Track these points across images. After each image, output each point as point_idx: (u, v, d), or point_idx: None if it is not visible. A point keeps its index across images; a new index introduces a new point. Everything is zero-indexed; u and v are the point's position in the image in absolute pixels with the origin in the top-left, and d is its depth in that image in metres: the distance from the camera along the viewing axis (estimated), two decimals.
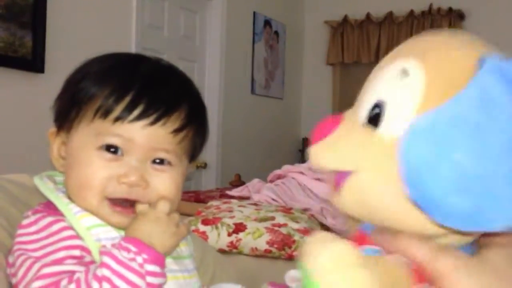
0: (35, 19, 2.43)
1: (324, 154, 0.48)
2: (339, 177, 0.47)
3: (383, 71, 0.50)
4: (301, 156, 4.71)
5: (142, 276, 0.61)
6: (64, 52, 2.59)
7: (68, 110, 0.70)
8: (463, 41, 0.47)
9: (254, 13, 4.19)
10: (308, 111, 4.92)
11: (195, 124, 0.71)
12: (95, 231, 0.66)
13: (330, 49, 4.72)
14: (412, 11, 4.40)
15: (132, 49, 3.00)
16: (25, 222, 0.68)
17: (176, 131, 0.68)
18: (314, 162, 0.48)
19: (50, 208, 0.70)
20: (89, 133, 0.68)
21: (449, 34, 0.48)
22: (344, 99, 4.73)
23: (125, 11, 2.99)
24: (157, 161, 0.68)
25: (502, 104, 0.40)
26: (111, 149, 0.66)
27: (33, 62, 2.43)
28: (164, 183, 0.68)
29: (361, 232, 0.48)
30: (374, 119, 0.45)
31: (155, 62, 0.75)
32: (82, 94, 0.69)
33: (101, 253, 0.62)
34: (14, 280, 0.67)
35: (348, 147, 0.46)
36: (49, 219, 0.67)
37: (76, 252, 0.64)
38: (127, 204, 0.67)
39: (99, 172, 0.66)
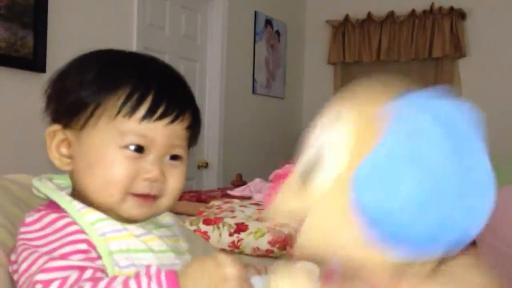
0: (36, 19, 2.43)
1: (278, 211, 0.51)
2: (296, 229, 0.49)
3: (321, 122, 0.53)
4: None
5: None
6: (66, 52, 2.58)
7: (81, 108, 0.69)
8: (385, 83, 0.53)
9: (255, 12, 4.19)
10: (309, 110, 4.92)
11: (198, 121, 0.75)
12: (99, 225, 0.67)
13: (331, 49, 4.72)
14: (413, 11, 4.40)
15: (133, 48, 3.00)
16: (28, 220, 0.69)
17: (188, 127, 0.72)
18: (273, 221, 0.53)
19: (52, 207, 0.70)
20: (112, 131, 0.68)
21: (374, 80, 0.53)
22: None
23: (126, 11, 2.99)
24: (173, 157, 0.71)
25: (426, 130, 0.44)
26: (135, 147, 0.68)
27: (34, 62, 2.43)
28: (178, 177, 0.72)
29: (328, 271, 0.49)
30: (314, 163, 0.49)
31: (159, 62, 0.76)
32: (100, 92, 0.69)
33: (134, 275, 0.60)
34: (16, 276, 0.67)
35: (297, 198, 0.49)
36: (53, 216, 0.68)
37: (83, 246, 0.65)
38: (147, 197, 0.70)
39: (125, 170, 0.68)
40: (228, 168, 3.78)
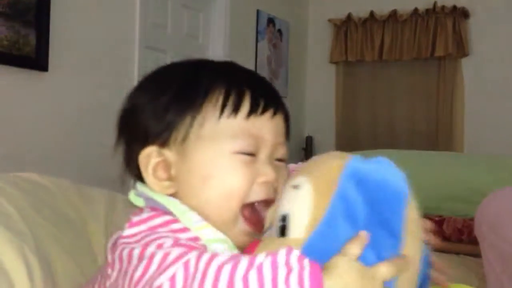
0: (39, 18, 2.43)
1: None
2: None
3: (284, 191, 0.61)
4: (304, 155, 4.71)
5: None
6: (68, 51, 2.59)
7: (178, 120, 0.64)
8: (335, 155, 0.60)
9: (258, 11, 4.18)
10: (311, 109, 4.91)
11: (287, 113, 0.71)
12: (214, 246, 0.61)
13: (334, 48, 4.71)
14: (416, 9, 4.39)
15: (136, 47, 3.00)
16: (135, 219, 0.63)
17: (286, 120, 0.69)
18: None
19: (159, 210, 0.64)
20: (219, 136, 0.63)
21: (327, 154, 0.62)
22: (348, 98, 4.72)
23: (128, 10, 2.99)
24: (279, 160, 0.67)
25: (358, 213, 0.53)
26: (248, 152, 0.64)
27: (36, 60, 2.43)
28: (284, 181, 0.64)
29: None
30: (282, 230, 0.57)
31: (236, 63, 0.74)
32: (196, 100, 0.64)
33: (271, 259, 0.51)
34: (121, 282, 0.59)
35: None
36: (165, 218, 0.62)
37: (191, 234, 0.60)
38: (260, 216, 0.62)
39: (243, 178, 0.63)
40: None
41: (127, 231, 0.61)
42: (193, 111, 0.64)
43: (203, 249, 0.57)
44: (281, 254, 0.51)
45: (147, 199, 0.65)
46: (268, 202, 0.63)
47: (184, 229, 0.60)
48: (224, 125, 0.63)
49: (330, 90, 4.81)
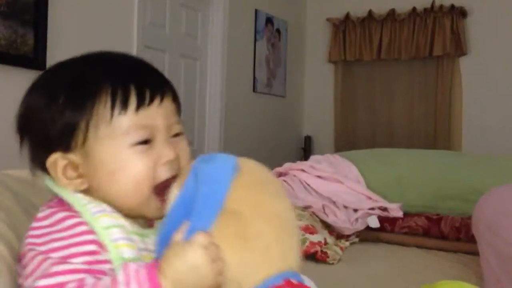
0: (37, 17, 2.43)
1: None
2: None
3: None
4: (303, 154, 4.71)
5: None
6: (66, 50, 2.59)
7: (73, 129, 0.69)
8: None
9: (256, 10, 4.19)
10: (310, 109, 4.92)
11: (175, 91, 0.77)
12: (112, 231, 0.67)
13: (332, 47, 4.71)
14: (414, 9, 4.39)
15: (134, 47, 3.00)
16: (40, 215, 0.69)
17: (174, 99, 0.74)
18: None
19: (64, 205, 0.70)
20: (114, 133, 0.68)
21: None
22: (346, 97, 4.72)
23: (126, 9, 2.99)
24: (175, 135, 0.73)
25: (188, 197, 0.65)
26: (143, 141, 0.69)
27: (34, 59, 2.43)
28: (186, 151, 0.74)
29: None
30: None
31: (119, 54, 0.77)
32: (85, 106, 0.68)
33: (111, 282, 0.60)
34: (20, 280, 0.67)
35: None
36: (63, 214, 0.68)
37: (91, 247, 0.65)
38: (168, 187, 0.70)
39: (145, 165, 0.69)
40: None
41: (33, 224, 0.68)
42: (86, 115, 0.69)
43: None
44: (120, 274, 0.60)
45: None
46: (174, 177, 0.71)
47: (76, 224, 0.67)
48: (116, 123, 0.69)
49: (328, 89, 4.82)
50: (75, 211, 0.68)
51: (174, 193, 0.67)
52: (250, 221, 0.64)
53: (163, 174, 0.70)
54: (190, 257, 0.60)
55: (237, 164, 0.69)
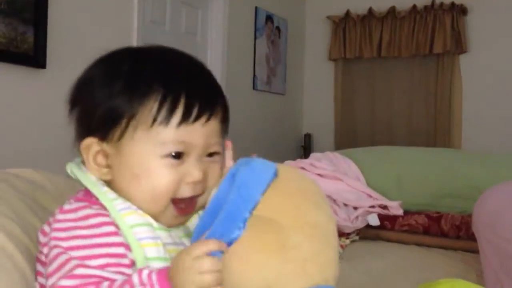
0: (37, 15, 2.42)
1: None
2: None
3: None
4: (303, 152, 4.71)
5: None
6: (66, 48, 2.58)
7: (115, 120, 0.68)
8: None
9: (256, 8, 4.18)
10: (310, 106, 4.92)
11: (227, 110, 0.76)
12: (137, 229, 0.67)
13: (332, 45, 4.71)
14: (414, 6, 4.39)
15: (134, 44, 3.00)
16: (66, 207, 0.69)
17: (223, 121, 0.74)
18: None
19: (91, 197, 0.70)
20: (151, 141, 0.68)
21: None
22: (346, 95, 4.72)
23: (126, 7, 2.99)
24: (210, 154, 0.72)
25: (221, 198, 0.66)
26: (175, 154, 0.68)
27: (35, 57, 2.42)
28: (216, 173, 0.73)
29: None
30: None
31: (184, 57, 0.75)
32: (132, 103, 0.68)
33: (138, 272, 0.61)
34: (44, 270, 0.67)
35: None
36: (88, 211, 0.68)
37: (118, 250, 0.65)
38: (189, 205, 0.71)
39: (170, 179, 0.68)
40: None
41: (58, 216, 0.68)
42: (129, 114, 0.68)
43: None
44: (134, 276, 0.61)
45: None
46: (195, 197, 0.71)
47: (102, 224, 0.67)
48: (155, 132, 0.68)
49: (328, 87, 4.81)
50: (101, 205, 0.68)
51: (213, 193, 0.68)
52: (289, 231, 0.62)
53: (185, 192, 0.70)
54: (197, 281, 0.60)
55: (277, 170, 0.67)
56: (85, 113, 0.72)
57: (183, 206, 0.71)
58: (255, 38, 4.19)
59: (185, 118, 0.68)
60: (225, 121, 0.75)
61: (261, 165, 0.66)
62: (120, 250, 0.65)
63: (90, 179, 0.71)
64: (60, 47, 2.53)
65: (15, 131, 2.39)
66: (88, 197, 0.70)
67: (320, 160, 2.20)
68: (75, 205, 0.69)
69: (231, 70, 3.85)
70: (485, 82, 4.22)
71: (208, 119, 0.70)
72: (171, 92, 0.68)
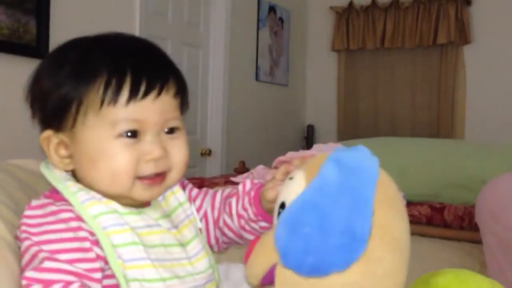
0: (39, 6, 2.42)
1: (251, 264, 0.67)
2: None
3: (284, 183, 0.69)
4: (305, 143, 4.70)
5: None
6: (68, 38, 2.58)
7: (64, 108, 0.68)
8: (329, 148, 0.69)
9: None
10: (313, 97, 4.90)
11: (184, 84, 0.74)
12: (102, 218, 0.67)
13: (335, 35, 4.69)
14: None
15: (136, 35, 2.99)
16: (34, 203, 0.70)
17: (176, 94, 0.72)
18: (249, 273, 0.67)
19: (58, 193, 0.71)
20: (102, 123, 0.67)
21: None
22: (349, 86, 4.70)
23: None
24: (170, 130, 0.71)
25: (332, 185, 0.59)
26: (129, 133, 0.68)
27: (37, 48, 2.42)
28: (180, 148, 0.72)
29: None
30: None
31: (128, 37, 0.75)
32: (78, 87, 0.68)
33: None
34: (21, 261, 0.68)
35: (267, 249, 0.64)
36: (53, 208, 0.68)
37: (81, 244, 0.65)
38: (155, 177, 0.70)
39: (127, 158, 0.68)
40: (231, 155, 3.78)
41: (26, 212, 0.68)
42: (77, 100, 0.67)
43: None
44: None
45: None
46: (160, 174, 0.70)
47: (69, 219, 0.66)
48: (105, 113, 0.67)
49: (331, 78, 4.80)
50: (66, 201, 0.69)
51: (299, 177, 0.65)
52: (375, 243, 0.59)
53: (147, 170, 0.69)
54: None
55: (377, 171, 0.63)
56: (38, 106, 0.72)
57: (149, 182, 0.70)
58: (258, 29, 4.17)
59: (132, 95, 0.67)
60: (181, 95, 0.73)
61: (365, 155, 0.63)
62: (83, 244, 0.65)
63: (54, 175, 0.72)
64: (63, 38, 2.52)
65: (17, 122, 2.39)
66: (54, 193, 0.71)
67: (323, 151, 2.20)
68: (42, 201, 0.69)
69: (233, 61, 3.84)
70: (489, 73, 4.20)
71: (158, 94, 0.68)
72: (116, 71, 0.67)
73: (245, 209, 0.76)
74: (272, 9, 4.32)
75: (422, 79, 4.46)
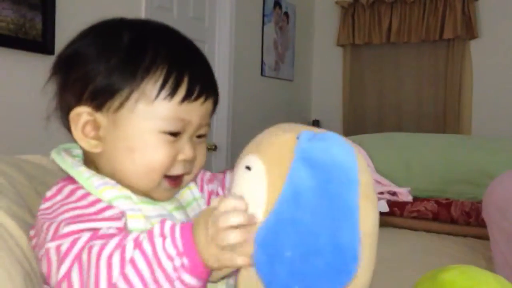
0: (45, 1, 2.42)
1: None
2: None
3: (236, 169, 0.61)
4: None
5: (170, 280, 0.56)
6: (74, 34, 2.58)
7: (114, 92, 0.67)
8: (285, 129, 0.59)
9: None
10: (318, 93, 4.89)
11: (218, 94, 0.76)
12: (116, 203, 0.67)
13: (341, 30, 4.67)
14: None
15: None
16: (48, 194, 0.69)
17: (215, 102, 0.74)
18: None
19: (70, 181, 0.70)
20: (151, 115, 0.67)
21: (277, 126, 0.60)
22: (355, 81, 4.69)
23: None
24: (199, 135, 0.73)
25: (307, 193, 0.51)
26: (174, 132, 0.68)
27: (43, 44, 2.42)
28: (203, 154, 0.74)
29: None
30: None
31: (181, 35, 0.76)
32: (134, 77, 0.67)
33: (148, 234, 0.59)
34: (36, 251, 0.68)
35: None
36: (71, 186, 0.68)
37: (108, 213, 0.65)
38: (179, 180, 0.72)
39: (166, 155, 0.68)
40: (237, 150, 3.76)
41: (43, 205, 0.68)
42: (131, 85, 0.67)
43: (93, 232, 0.62)
44: (156, 227, 0.58)
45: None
46: (181, 176, 0.71)
47: (87, 194, 0.66)
48: (157, 106, 0.67)
49: (337, 73, 4.78)
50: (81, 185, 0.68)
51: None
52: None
53: (177, 169, 0.70)
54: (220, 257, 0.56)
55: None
56: (77, 83, 0.70)
57: (173, 181, 0.71)
58: (263, 24, 4.16)
59: (188, 95, 0.68)
60: (216, 104, 0.75)
61: (342, 151, 0.53)
62: (110, 213, 0.65)
63: (66, 162, 0.71)
64: (69, 33, 2.52)
65: (23, 117, 2.40)
66: (67, 180, 0.70)
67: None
68: (56, 188, 0.69)
69: (239, 56, 3.83)
70: (495, 68, 4.17)
71: (205, 99, 0.70)
72: (175, 69, 0.68)
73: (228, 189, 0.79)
74: (277, 3, 4.31)
75: (428, 74, 4.43)
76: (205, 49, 3.63)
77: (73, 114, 0.69)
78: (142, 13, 3.00)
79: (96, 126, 0.69)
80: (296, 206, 0.51)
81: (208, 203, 0.80)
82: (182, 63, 0.69)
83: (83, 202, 0.65)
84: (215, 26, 3.71)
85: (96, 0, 2.75)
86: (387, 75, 4.57)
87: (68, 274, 0.59)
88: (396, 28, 4.43)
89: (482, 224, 1.46)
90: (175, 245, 0.57)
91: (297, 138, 0.56)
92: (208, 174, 0.84)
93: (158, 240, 0.57)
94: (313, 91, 4.91)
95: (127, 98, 0.67)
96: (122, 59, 0.68)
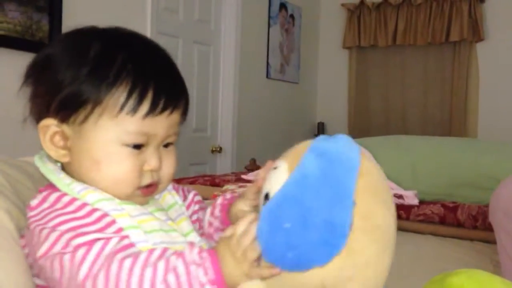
0: (51, 3, 2.43)
1: None
2: None
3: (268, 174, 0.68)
4: None
5: None
6: None
7: (79, 104, 0.68)
8: (310, 141, 0.66)
9: None
10: (324, 95, 4.89)
11: (188, 104, 0.76)
12: (100, 204, 0.68)
13: (347, 33, 4.66)
14: None
15: (148, 33, 2.99)
16: (33, 203, 0.69)
17: (183, 113, 0.74)
18: None
19: (52, 187, 0.71)
20: (115, 129, 0.68)
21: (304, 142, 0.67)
22: (361, 83, 4.68)
23: None
24: (166, 143, 0.73)
25: (313, 177, 0.59)
26: (136, 145, 0.69)
27: None
28: (172, 162, 0.74)
29: None
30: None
31: (151, 44, 0.75)
32: (100, 89, 0.67)
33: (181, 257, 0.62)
34: (30, 260, 0.68)
35: None
36: (56, 194, 0.69)
37: (97, 214, 0.67)
38: (152, 189, 0.73)
39: (131, 167, 0.69)
40: (242, 152, 3.78)
41: (30, 213, 0.68)
42: (96, 99, 0.67)
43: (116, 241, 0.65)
44: (187, 252, 0.62)
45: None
46: (153, 185, 0.72)
47: (72, 200, 0.67)
48: (121, 120, 0.68)
49: (342, 75, 4.78)
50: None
51: (281, 171, 0.65)
52: (358, 233, 0.59)
53: (146, 179, 0.71)
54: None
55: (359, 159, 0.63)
56: (46, 93, 0.70)
57: (145, 192, 0.72)
58: (269, 26, 4.16)
59: (151, 110, 0.68)
60: (184, 113, 0.75)
61: (346, 144, 0.64)
62: (98, 213, 0.67)
63: (47, 168, 0.72)
64: None
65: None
66: (49, 187, 0.71)
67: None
68: (41, 196, 0.69)
69: (244, 58, 3.83)
70: (502, 71, 4.15)
71: (171, 112, 0.70)
72: (140, 83, 0.68)
73: (215, 217, 0.80)
74: (283, 6, 4.31)
75: (434, 77, 4.42)
76: (210, 51, 3.64)
77: (41, 125, 0.71)
78: (148, 16, 3.00)
79: (65, 137, 0.70)
80: (302, 186, 0.59)
81: (194, 222, 0.83)
82: (148, 76, 0.69)
83: (71, 208, 0.66)
84: (221, 28, 3.71)
85: (103, 2, 2.76)
86: (393, 77, 4.56)
87: (94, 280, 0.61)
88: (402, 30, 4.42)
89: (489, 228, 1.45)
90: (205, 273, 0.61)
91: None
92: (197, 197, 0.87)
93: (193, 268, 0.61)
94: (319, 94, 4.90)
95: (91, 111, 0.68)
96: (89, 72, 0.68)
